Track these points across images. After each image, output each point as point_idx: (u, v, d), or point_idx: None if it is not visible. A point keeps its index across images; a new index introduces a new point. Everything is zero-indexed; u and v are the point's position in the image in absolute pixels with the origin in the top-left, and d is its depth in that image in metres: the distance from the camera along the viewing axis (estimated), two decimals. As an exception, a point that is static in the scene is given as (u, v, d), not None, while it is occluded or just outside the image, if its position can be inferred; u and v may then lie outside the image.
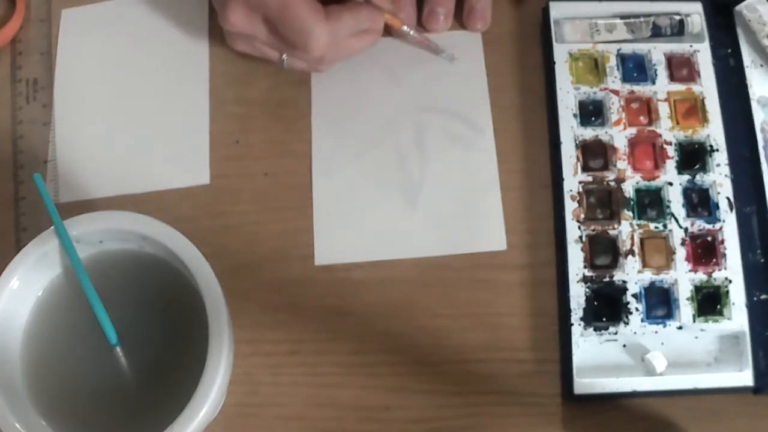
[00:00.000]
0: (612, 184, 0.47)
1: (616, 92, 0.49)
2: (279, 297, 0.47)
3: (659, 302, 0.45)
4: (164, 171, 0.50)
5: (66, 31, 0.55)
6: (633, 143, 0.48)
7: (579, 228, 0.47)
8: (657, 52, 0.50)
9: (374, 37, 0.50)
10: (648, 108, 0.49)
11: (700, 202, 0.47)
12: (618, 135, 0.48)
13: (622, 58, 0.50)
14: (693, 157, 0.48)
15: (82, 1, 0.55)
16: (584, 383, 0.44)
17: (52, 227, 0.40)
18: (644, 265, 0.46)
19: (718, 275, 0.46)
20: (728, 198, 0.47)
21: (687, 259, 0.46)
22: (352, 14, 0.47)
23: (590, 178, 0.48)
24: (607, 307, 0.45)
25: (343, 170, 0.50)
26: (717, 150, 0.48)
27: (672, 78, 0.50)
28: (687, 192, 0.47)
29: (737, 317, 0.45)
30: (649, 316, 0.45)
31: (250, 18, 0.46)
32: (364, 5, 0.47)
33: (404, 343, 0.46)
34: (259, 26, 0.46)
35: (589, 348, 0.45)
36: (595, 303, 0.46)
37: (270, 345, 0.46)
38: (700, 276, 0.46)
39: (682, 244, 0.46)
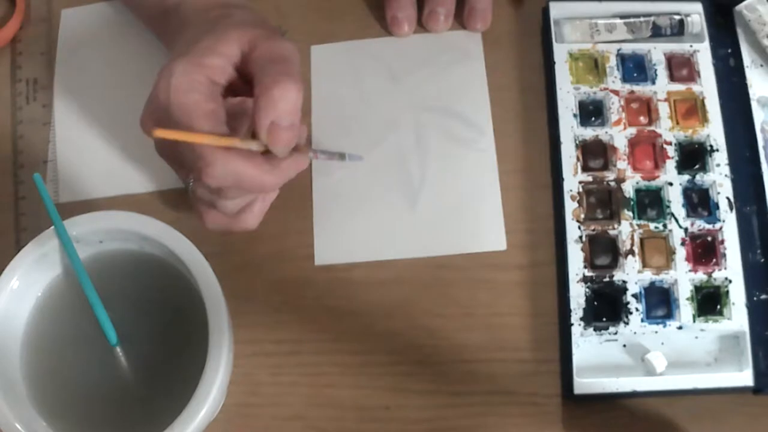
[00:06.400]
0: (612, 184, 0.47)
1: (616, 92, 0.49)
2: (279, 297, 0.47)
3: (659, 302, 0.45)
4: (164, 171, 0.50)
5: (66, 31, 0.54)
6: (633, 143, 0.48)
7: (579, 228, 0.47)
8: (657, 52, 0.50)
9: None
10: (648, 108, 0.49)
11: (700, 202, 0.47)
12: (618, 135, 0.48)
13: (622, 58, 0.50)
14: (693, 157, 0.48)
15: (82, 1, 0.55)
16: (584, 383, 0.44)
17: (52, 227, 0.40)
18: (644, 265, 0.46)
19: (718, 275, 0.45)
20: (728, 198, 0.47)
21: (687, 259, 0.46)
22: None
23: (590, 178, 0.48)
24: (607, 307, 0.45)
25: (343, 170, 0.50)
26: (717, 150, 0.48)
27: (672, 78, 0.50)
28: (687, 192, 0.47)
29: (737, 317, 0.45)
30: (649, 316, 0.45)
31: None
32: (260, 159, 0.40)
33: (404, 343, 0.46)
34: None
35: (589, 348, 0.45)
36: (595, 303, 0.45)
37: (270, 345, 0.46)
38: (700, 276, 0.45)
39: (682, 244, 0.46)
